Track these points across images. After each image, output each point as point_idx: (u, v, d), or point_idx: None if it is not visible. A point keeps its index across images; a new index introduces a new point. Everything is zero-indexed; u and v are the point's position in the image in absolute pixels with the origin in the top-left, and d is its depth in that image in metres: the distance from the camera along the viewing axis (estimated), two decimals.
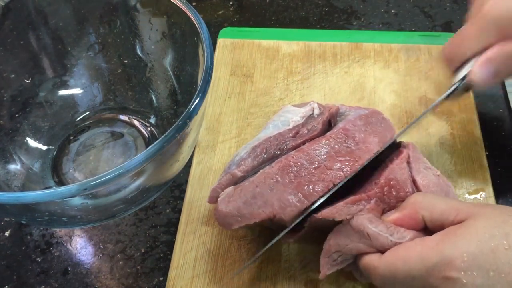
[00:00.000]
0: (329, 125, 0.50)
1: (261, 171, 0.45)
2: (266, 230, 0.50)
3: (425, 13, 0.71)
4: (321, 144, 0.45)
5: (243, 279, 0.48)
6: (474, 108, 0.58)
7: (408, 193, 0.43)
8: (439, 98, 0.49)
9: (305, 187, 0.43)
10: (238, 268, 0.48)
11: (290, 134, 0.48)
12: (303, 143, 0.47)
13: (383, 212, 0.43)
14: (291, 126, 0.49)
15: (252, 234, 0.50)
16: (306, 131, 0.48)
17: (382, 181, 0.43)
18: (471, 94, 0.59)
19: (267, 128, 0.51)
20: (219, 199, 0.45)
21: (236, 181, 0.47)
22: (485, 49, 0.45)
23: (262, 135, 0.49)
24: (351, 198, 0.42)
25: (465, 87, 0.48)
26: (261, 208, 0.43)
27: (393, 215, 0.41)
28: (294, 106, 0.53)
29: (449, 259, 0.35)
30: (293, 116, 0.50)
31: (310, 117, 0.50)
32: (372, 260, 0.40)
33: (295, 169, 0.44)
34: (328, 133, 0.47)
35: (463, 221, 0.37)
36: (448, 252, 0.36)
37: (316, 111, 0.50)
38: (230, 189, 0.46)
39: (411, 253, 0.38)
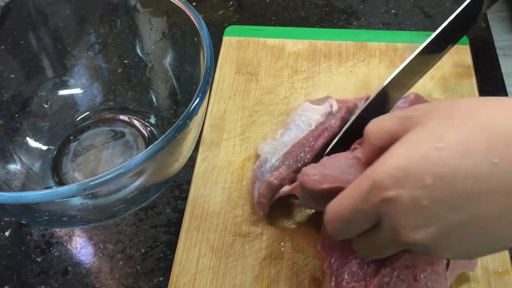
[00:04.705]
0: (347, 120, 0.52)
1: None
2: (269, 228, 0.50)
3: (425, 13, 0.71)
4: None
5: (246, 276, 0.48)
6: None
7: None
8: (458, 10, 0.50)
9: None
10: (241, 266, 0.48)
11: (314, 135, 0.50)
12: (327, 142, 0.49)
13: None
14: (313, 127, 0.50)
15: (255, 231, 0.50)
16: (326, 129, 0.50)
17: None
18: (476, 94, 0.59)
19: (290, 130, 0.52)
20: (301, 173, 0.44)
21: (274, 188, 0.48)
22: None
23: (287, 138, 0.51)
24: None
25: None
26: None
27: (360, 155, 0.40)
28: (312, 102, 0.54)
29: (380, 179, 0.33)
30: (313, 115, 0.51)
31: (330, 114, 0.51)
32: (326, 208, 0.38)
33: None
34: None
35: None
36: (378, 173, 0.33)
37: (335, 107, 0.51)
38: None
39: (350, 187, 0.36)
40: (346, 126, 0.49)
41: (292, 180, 0.48)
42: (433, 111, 0.34)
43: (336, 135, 0.50)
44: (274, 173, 0.48)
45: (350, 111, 0.52)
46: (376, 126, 0.37)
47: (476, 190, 0.30)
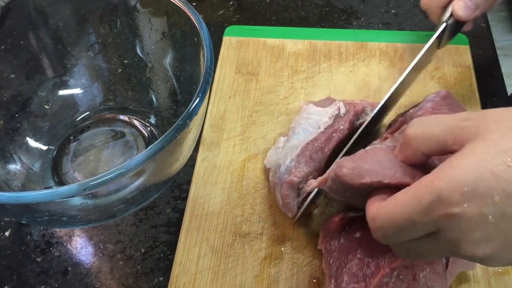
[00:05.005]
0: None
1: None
2: (269, 228, 0.50)
3: (425, 13, 0.71)
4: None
5: (246, 276, 0.48)
6: (479, 108, 0.58)
7: None
8: (433, 37, 0.53)
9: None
10: (241, 266, 0.48)
11: (325, 137, 0.50)
12: (337, 145, 0.49)
13: None
14: (322, 129, 0.50)
15: (255, 231, 0.50)
16: (336, 131, 0.50)
17: None
18: (476, 94, 0.59)
19: (297, 134, 0.51)
20: (337, 166, 0.41)
21: (295, 187, 0.48)
22: None
23: (296, 141, 0.51)
24: None
25: (453, 27, 0.53)
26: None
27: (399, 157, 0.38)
28: (315, 104, 0.53)
29: (446, 194, 0.31)
30: (321, 118, 0.51)
31: (337, 116, 0.51)
32: (371, 210, 0.36)
33: None
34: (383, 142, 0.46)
35: (464, 144, 0.33)
36: (444, 186, 0.31)
37: (342, 110, 0.51)
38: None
39: (407, 195, 0.33)
40: (360, 129, 0.48)
41: (313, 177, 0.48)
42: (489, 122, 0.33)
43: (346, 138, 0.50)
44: (293, 171, 0.48)
45: (357, 114, 0.51)
46: (423, 132, 0.35)
47: None
